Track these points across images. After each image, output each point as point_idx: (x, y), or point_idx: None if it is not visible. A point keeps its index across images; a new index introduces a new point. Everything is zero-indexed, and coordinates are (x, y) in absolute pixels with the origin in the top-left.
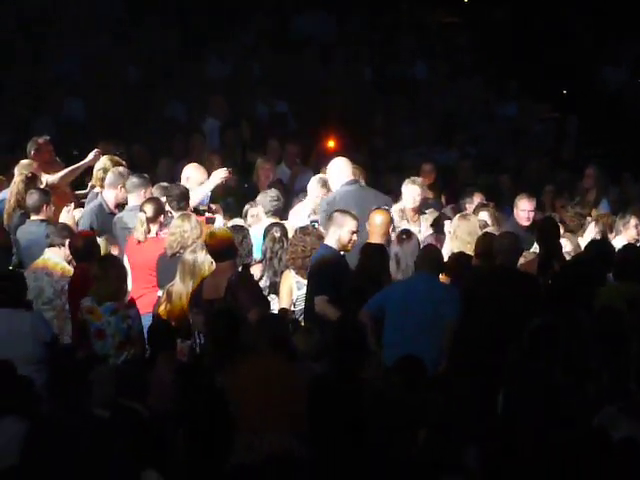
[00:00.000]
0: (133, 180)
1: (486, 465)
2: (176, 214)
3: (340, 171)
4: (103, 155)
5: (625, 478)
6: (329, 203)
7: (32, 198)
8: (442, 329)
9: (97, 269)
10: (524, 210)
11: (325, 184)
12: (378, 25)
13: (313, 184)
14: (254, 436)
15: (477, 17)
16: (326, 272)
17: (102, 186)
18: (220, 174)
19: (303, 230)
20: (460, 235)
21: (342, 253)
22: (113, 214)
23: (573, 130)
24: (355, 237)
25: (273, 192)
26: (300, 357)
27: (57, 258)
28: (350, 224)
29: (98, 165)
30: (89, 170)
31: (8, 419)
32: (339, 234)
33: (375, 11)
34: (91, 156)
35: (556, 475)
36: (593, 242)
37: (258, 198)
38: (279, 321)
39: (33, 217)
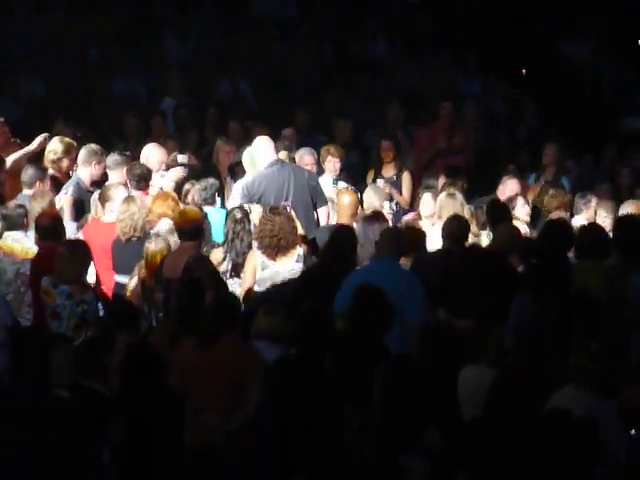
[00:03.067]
0: (115, 157)
1: (447, 445)
2: (135, 194)
3: (264, 152)
4: (55, 137)
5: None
6: (247, 187)
7: (27, 173)
8: (404, 320)
9: (64, 250)
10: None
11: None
12: (339, 3)
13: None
14: (192, 415)
15: None
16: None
17: (54, 168)
18: (178, 173)
19: (273, 210)
20: (445, 215)
21: None
22: (90, 192)
23: (531, 109)
24: None
25: (202, 183)
26: (262, 337)
27: (21, 240)
28: None
29: (49, 147)
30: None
31: None
32: None
33: None
34: (36, 142)
35: (516, 456)
36: (551, 221)
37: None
38: (231, 301)
39: (25, 191)
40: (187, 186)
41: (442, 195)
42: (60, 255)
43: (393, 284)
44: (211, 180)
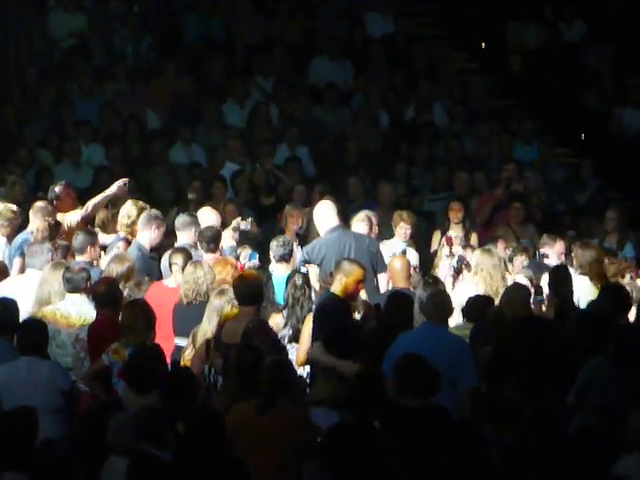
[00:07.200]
0: (184, 218)
1: None
2: (206, 256)
3: (326, 217)
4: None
5: None
6: (308, 252)
7: (77, 239)
8: (455, 387)
9: (125, 311)
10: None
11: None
12: (395, 71)
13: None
14: None
15: (494, 63)
16: (328, 317)
17: (127, 232)
18: (230, 234)
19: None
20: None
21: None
22: (152, 257)
23: (589, 175)
24: (361, 286)
25: (279, 239)
26: (320, 403)
27: (81, 304)
28: (357, 273)
29: (122, 212)
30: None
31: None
32: (345, 282)
33: (392, 57)
34: (115, 187)
35: None
36: (606, 287)
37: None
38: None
39: (78, 258)
40: (239, 250)
41: (478, 251)
42: (123, 316)
43: (440, 350)
44: (288, 237)
